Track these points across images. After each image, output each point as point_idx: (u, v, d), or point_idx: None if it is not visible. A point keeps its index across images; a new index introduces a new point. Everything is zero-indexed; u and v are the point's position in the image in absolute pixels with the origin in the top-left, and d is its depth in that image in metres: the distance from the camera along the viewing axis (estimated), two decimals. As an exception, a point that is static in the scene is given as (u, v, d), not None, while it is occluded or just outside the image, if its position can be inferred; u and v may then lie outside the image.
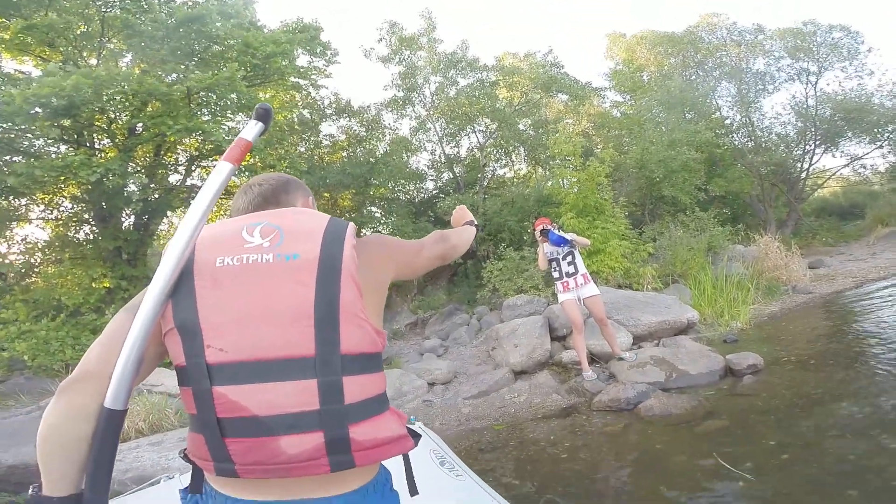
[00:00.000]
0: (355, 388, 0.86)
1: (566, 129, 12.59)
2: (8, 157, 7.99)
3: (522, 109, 12.89)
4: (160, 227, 10.72)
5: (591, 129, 14.29)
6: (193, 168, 10.49)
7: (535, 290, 8.18)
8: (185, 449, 0.96)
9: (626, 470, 3.43)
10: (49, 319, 7.34)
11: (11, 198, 8.60)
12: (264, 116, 0.96)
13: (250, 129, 0.94)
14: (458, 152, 13.45)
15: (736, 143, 14.56)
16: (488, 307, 8.89)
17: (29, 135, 8.03)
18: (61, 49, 8.62)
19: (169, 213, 10.45)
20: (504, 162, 14.00)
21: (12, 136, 7.85)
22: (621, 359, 5.14)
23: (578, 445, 3.84)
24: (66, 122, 7.80)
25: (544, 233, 4.92)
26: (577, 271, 5.00)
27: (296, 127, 12.05)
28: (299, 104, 12.34)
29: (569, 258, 5.03)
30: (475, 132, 13.14)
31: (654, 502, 2.91)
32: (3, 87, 7.37)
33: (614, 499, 3.11)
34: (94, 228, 9.31)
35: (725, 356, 4.93)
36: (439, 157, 13.52)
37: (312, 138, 12.66)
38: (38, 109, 7.00)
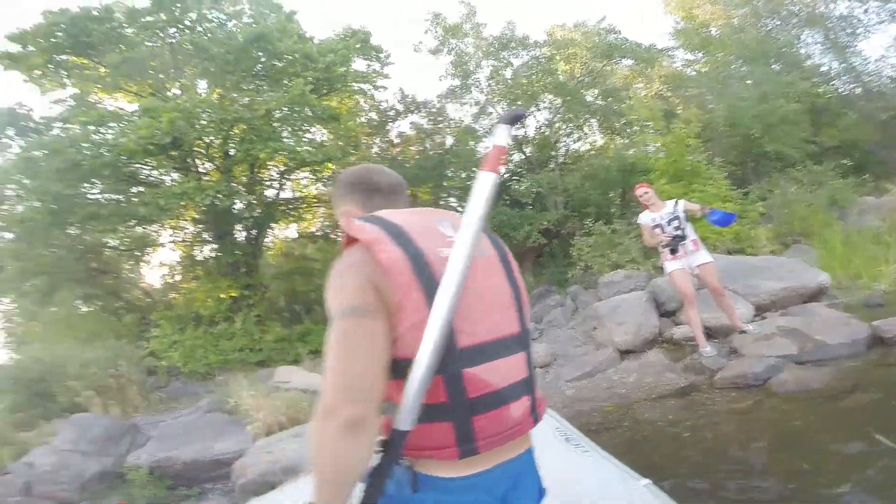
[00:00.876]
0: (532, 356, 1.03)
1: (638, 94, 11.82)
2: (135, 189, 9.06)
3: (586, 80, 12.37)
4: (266, 239, 11.67)
5: (665, 91, 13.37)
6: (284, 183, 11.29)
7: (633, 264, 7.74)
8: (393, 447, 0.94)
9: (760, 448, 3.10)
10: (192, 329, 8.31)
11: (145, 226, 9.81)
12: (514, 119, 0.97)
13: (502, 134, 0.96)
14: (525, 133, 13.15)
15: (840, 90, 13.08)
16: (582, 286, 8.46)
17: (147, 167, 9.05)
18: (149, 82, 9.60)
19: (273, 225, 11.31)
20: (576, 136, 13.58)
21: (134, 169, 8.94)
22: (743, 331, 4.59)
23: (702, 424, 3.54)
24: (175, 153, 8.67)
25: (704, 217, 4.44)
26: (685, 237, 4.47)
27: (367, 130, 12.43)
28: (366, 108, 12.73)
29: (675, 222, 4.48)
30: (540, 110, 12.81)
31: (796, 480, 2.66)
32: (113, 129, 8.27)
33: (750, 477, 2.87)
34: (215, 246, 10.31)
35: (871, 323, 4.28)
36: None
37: (383, 139, 12.99)
38: (150, 147, 7.79)
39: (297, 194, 12.36)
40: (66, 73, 9.53)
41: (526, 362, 1.00)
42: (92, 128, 8.09)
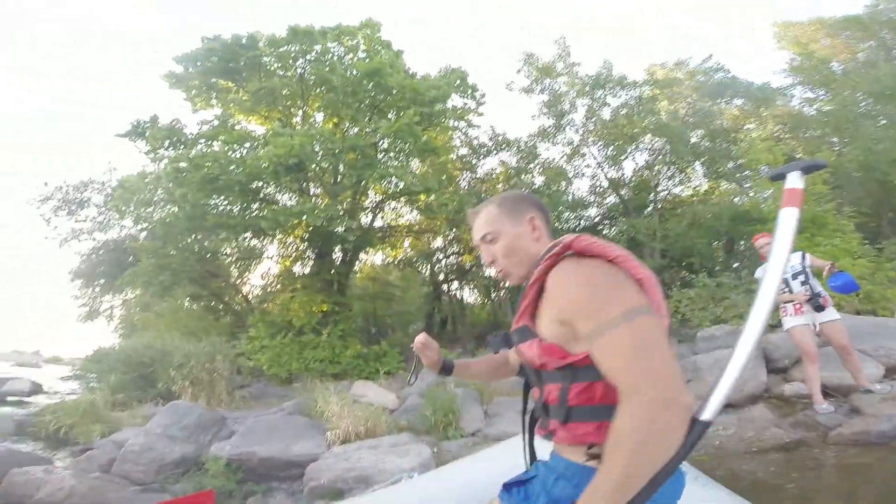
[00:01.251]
0: None
1: (750, 135, 11.01)
2: (255, 205, 9.90)
3: (691, 121, 11.78)
4: (358, 262, 12.18)
5: (781, 133, 12.37)
6: (378, 211, 11.85)
7: (739, 321, 7.14)
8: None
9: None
10: (281, 337, 8.74)
11: (257, 239, 10.67)
12: (809, 168, 0.96)
13: (797, 179, 0.95)
14: (622, 175, 12.70)
15: None
16: (675, 339, 8.00)
17: (267, 186, 9.87)
18: (279, 109, 10.51)
19: (368, 249, 11.76)
20: (678, 179, 12.87)
21: (257, 187, 9.78)
22: (869, 391, 4.19)
23: (811, 478, 3.25)
24: (296, 175, 9.38)
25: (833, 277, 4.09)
26: (820, 293, 4.22)
27: (458, 165, 12.66)
28: (458, 144, 12.98)
29: (801, 277, 4.27)
30: (640, 151, 12.30)
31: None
32: (249, 150, 9.17)
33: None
34: (313, 264, 10.96)
35: None
36: (600, 182, 12.91)
37: (473, 175, 13.12)
38: (279, 168, 8.54)
39: (388, 223, 12.83)
40: (215, 94, 10.80)
41: None
42: (228, 147, 9.02)
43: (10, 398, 9.11)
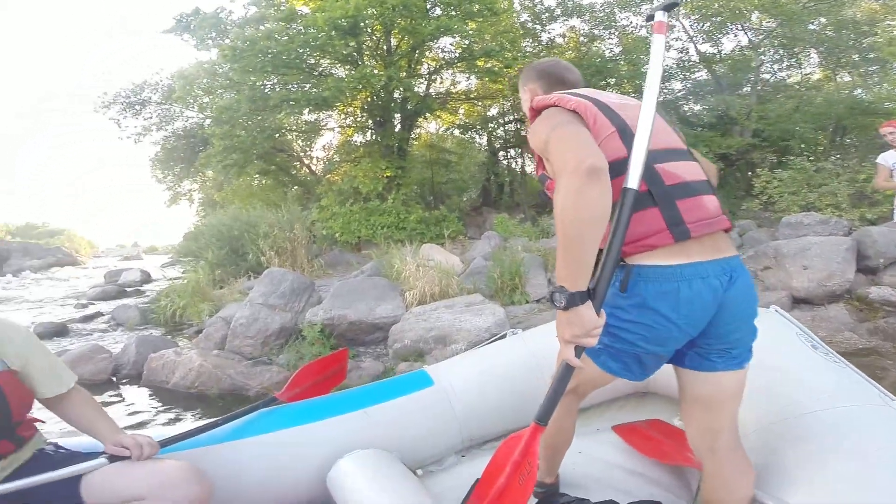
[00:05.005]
0: None
1: (890, 33, 8.97)
2: (312, 80, 9.31)
3: (813, 6, 9.64)
4: (416, 129, 11.69)
5: None
6: (434, 78, 11.05)
7: (834, 210, 6.33)
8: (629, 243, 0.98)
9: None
10: (349, 204, 8.70)
11: (318, 112, 10.42)
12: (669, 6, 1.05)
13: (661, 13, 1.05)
14: (720, 50, 11.03)
15: None
16: (755, 222, 7.28)
17: (322, 57, 9.19)
18: None
19: (427, 115, 11.22)
20: (786, 63, 11.10)
21: (312, 61, 9.23)
22: None
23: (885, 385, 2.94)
24: (352, 42, 8.58)
25: None
26: None
27: (519, 31, 11.17)
28: (518, 9, 11.41)
29: None
30: (744, 30, 10.49)
31: None
32: (299, 19, 8.51)
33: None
34: (374, 132, 10.58)
35: None
36: (690, 56, 11.27)
37: (536, 42, 11.67)
38: (333, 32, 7.85)
39: (446, 90, 12.00)
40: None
41: (699, 169, 1.10)
42: (280, 24, 8.46)
43: (127, 289, 9.74)
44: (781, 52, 10.65)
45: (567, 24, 11.63)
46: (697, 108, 10.69)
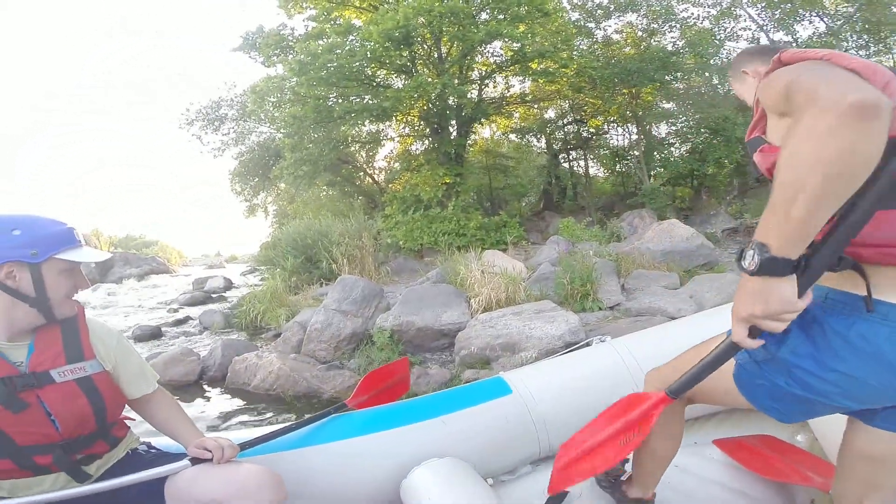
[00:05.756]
0: None
1: None
2: (371, 91, 9.51)
3: None
4: (472, 135, 11.58)
5: None
6: (486, 83, 10.98)
7: None
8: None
9: None
10: (412, 212, 8.76)
11: (378, 123, 10.58)
12: None
13: None
14: (796, 37, 10.09)
15: None
16: None
17: (378, 68, 9.41)
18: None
19: (482, 121, 11.10)
20: (874, 49, 10.03)
21: (370, 73, 9.43)
22: None
23: None
24: (406, 52, 8.70)
25: None
26: None
27: (573, 30, 10.82)
28: (567, 7, 11.07)
29: None
30: (819, 16, 9.65)
31: None
32: (353, 40, 8.72)
33: None
34: (431, 140, 10.67)
35: None
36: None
37: (591, 39, 11.23)
38: (387, 43, 8.04)
39: (500, 94, 11.84)
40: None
41: None
42: (337, 37, 8.79)
43: (213, 295, 10.37)
44: (866, 37, 9.63)
45: (623, 20, 11.13)
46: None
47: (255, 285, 8.79)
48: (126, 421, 1.34)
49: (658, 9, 10.40)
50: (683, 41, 10.24)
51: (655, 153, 10.63)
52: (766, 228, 0.65)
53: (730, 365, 0.87)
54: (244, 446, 1.33)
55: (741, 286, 0.69)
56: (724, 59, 10.18)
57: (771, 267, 0.64)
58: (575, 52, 9.63)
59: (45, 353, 1.11)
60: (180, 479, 1.20)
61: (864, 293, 0.71)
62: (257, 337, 6.04)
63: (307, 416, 1.59)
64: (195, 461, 1.22)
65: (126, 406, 1.32)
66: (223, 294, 10.61)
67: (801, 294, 0.66)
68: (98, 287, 11.94)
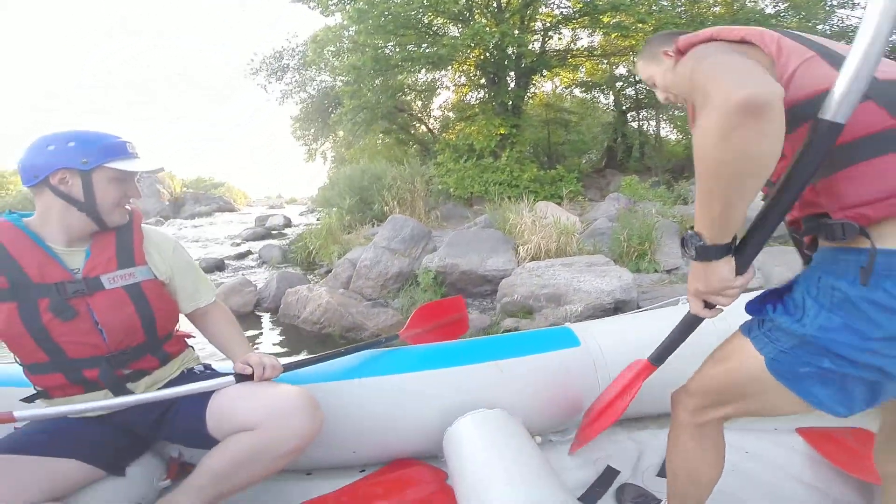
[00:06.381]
0: None
1: None
2: (428, 39, 9.12)
3: None
4: (532, 87, 10.94)
5: None
6: (550, 35, 10.26)
7: None
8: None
9: None
10: (464, 161, 8.50)
11: (435, 71, 10.32)
12: None
13: None
14: None
15: None
16: None
17: (434, 18, 9.07)
18: None
19: (544, 73, 10.47)
20: None
21: (427, 21, 9.14)
22: None
23: None
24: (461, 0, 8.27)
25: None
26: None
27: None
28: None
29: None
30: None
31: None
32: None
33: None
34: (487, 90, 10.19)
35: None
36: None
37: None
38: None
39: (566, 46, 11.03)
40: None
41: None
42: None
43: (273, 231, 10.73)
44: None
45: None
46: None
47: (312, 224, 8.95)
48: (187, 340, 1.31)
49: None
50: (787, 3, 8.92)
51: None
52: (698, 219, 0.68)
53: (752, 367, 0.80)
54: (288, 367, 1.26)
55: (691, 266, 0.75)
56: (834, 27, 8.80)
57: (706, 253, 0.69)
58: (654, 7, 8.60)
59: (98, 258, 1.10)
60: (223, 396, 1.15)
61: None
62: (311, 272, 6.17)
63: (359, 342, 1.50)
64: (239, 378, 1.17)
65: (186, 322, 1.29)
66: (282, 231, 10.95)
67: (741, 271, 0.71)
68: (173, 222, 12.70)
